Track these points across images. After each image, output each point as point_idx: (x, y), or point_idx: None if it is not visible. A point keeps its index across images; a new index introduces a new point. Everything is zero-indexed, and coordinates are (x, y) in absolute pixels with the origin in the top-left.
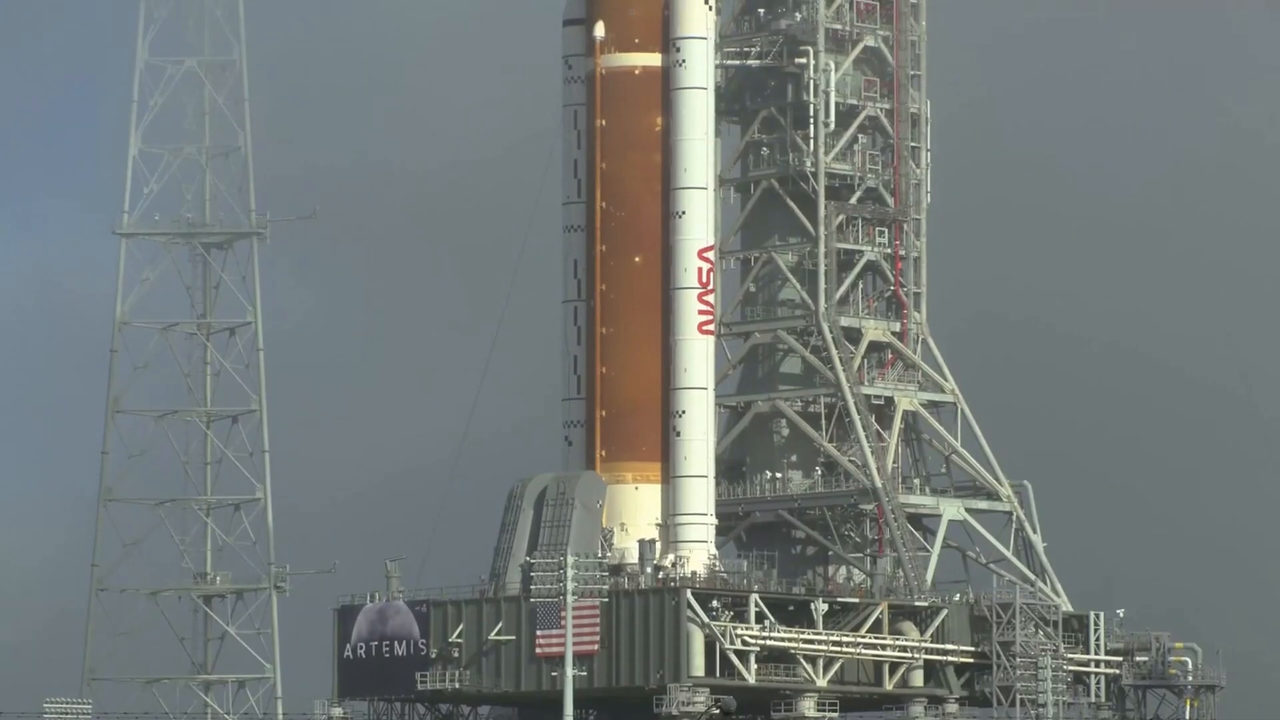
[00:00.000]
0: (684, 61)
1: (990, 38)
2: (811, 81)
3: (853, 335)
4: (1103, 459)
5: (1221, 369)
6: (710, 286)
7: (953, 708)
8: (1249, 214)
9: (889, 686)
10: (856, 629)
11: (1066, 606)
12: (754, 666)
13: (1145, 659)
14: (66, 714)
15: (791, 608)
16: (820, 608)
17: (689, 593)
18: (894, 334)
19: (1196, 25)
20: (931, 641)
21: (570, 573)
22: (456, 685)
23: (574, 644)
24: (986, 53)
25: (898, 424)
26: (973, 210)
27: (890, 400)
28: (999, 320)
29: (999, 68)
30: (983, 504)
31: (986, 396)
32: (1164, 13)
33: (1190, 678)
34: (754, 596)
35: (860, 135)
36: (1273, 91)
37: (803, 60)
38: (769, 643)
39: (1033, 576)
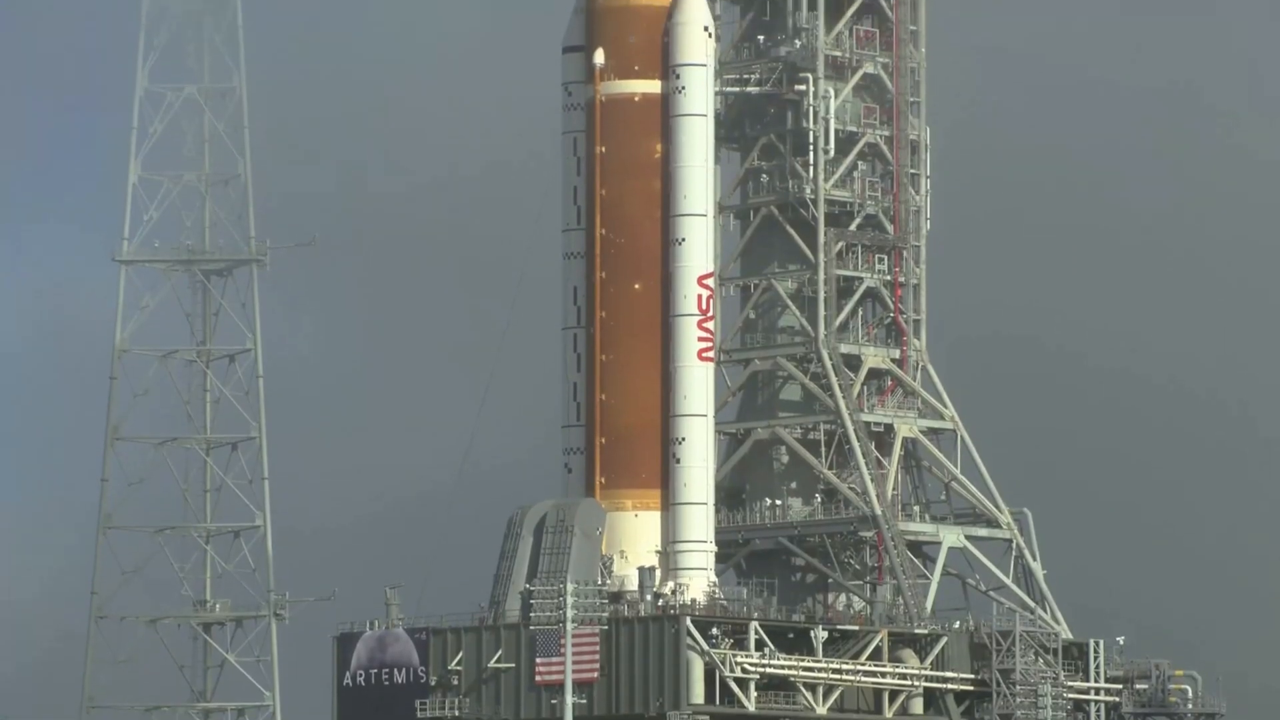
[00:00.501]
0: (683, 88)
1: (989, 55)
2: (811, 108)
3: (852, 362)
4: (1103, 479)
5: (1221, 387)
6: (710, 313)
7: None
8: (1250, 229)
9: (889, 714)
10: (856, 656)
11: (1066, 634)
12: (754, 694)
13: (1145, 687)
14: None
15: (791, 635)
16: (820, 635)
17: (689, 620)
18: (894, 361)
19: (1196, 32)
20: (931, 669)
21: (570, 600)
22: (456, 713)
23: (574, 672)
24: (985, 70)
25: (897, 451)
26: (973, 237)
27: (890, 427)
28: (999, 341)
29: (997, 86)
30: (982, 531)
31: (986, 420)
32: (1163, 16)
33: (1190, 705)
34: (754, 624)
35: (860, 162)
36: (1274, 103)
37: (802, 87)
38: (769, 670)
39: (1032, 604)
